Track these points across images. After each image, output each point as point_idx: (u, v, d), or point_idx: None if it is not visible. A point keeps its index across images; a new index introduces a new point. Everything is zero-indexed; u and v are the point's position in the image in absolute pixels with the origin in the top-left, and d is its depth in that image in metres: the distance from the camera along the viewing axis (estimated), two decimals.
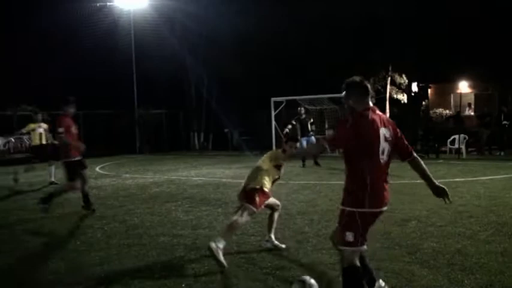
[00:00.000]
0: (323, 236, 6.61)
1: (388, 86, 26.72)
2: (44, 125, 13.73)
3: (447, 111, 26.47)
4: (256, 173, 5.88)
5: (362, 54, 24.14)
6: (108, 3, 27.11)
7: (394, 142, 3.93)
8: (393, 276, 4.93)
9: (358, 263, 3.84)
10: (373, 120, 3.80)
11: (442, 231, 6.73)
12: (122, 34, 27.52)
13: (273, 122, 21.69)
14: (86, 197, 9.02)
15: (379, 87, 27.00)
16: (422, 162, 4.21)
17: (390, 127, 3.92)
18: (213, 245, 5.32)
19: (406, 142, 4.10)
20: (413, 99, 28.04)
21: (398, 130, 4.03)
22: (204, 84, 29.01)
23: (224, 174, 15.10)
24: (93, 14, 27.05)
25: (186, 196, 10.65)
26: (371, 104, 3.91)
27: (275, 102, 21.86)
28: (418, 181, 11.98)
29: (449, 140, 19.96)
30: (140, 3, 27.04)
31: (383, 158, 3.85)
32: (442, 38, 23.47)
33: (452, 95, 28.13)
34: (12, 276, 5.55)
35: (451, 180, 12.17)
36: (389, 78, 26.54)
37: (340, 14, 24.04)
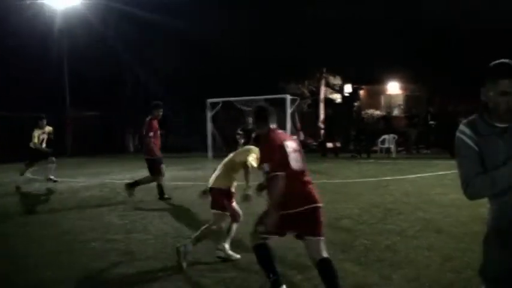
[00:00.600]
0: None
1: (323, 88, 27.30)
2: (48, 128, 13.64)
3: (378, 112, 27.33)
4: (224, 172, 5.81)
5: (297, 56, 24.52)
6: (39, 0, 26.08)
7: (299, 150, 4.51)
8: None
9: (267, 245, 4.47)
10: (277, 137, 4.46)
11: (373, 229, 6.94)
12: (52, 33, 26.57)
13: (209, 124, 21.63)
14: (160, 188, 10.22)
15: (314, 89, 27.55)
16: None
17: (292, 140, 4.59)
18: (182, 248, 5.39)
19: None
20: (347, 100, 28.76)
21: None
22: (140, 85, 28.54)
23: None
24: (21, 11, 25.94)
25: (120, 200, 10.43)
26: (273, 126, 4.60)
27: (211, 103, 21.80)
28: (350, 180, 12.36)
29: (379, 140, 20.64)
30: (72, 1, 26.17)
31: (297, 165, 4.34)
32: (373, 40, 24.17)
33: (382, 96, 29.07)
34: None
35: (382, 178, 12.57)
36: (323, 80, 27.13)
37: (276, 17, 24.34)
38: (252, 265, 5.38)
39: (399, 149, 21.14)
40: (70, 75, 26.76)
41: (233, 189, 5.89)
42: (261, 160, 4.52)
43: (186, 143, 25.06)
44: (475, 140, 2.55)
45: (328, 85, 27.68)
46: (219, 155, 21.28)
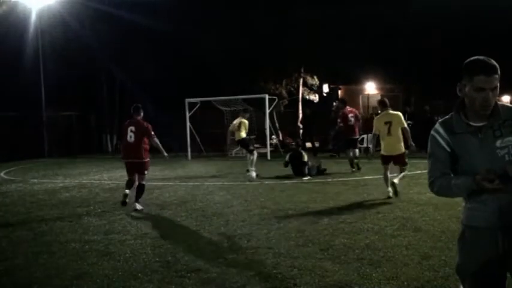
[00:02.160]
0: (238, 236, 6.68)
1: (301, 88, 27.42)
2: None
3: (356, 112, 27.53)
4: None
5: (275, 56, 24.60)
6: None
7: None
8: (306, 273, 5.06)
9: None
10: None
11: (352, 228, 7.00)
12: (27, 32, 26.15)
13: (188, 123, 21.53)
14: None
15: (292, 89, 27.66)
16: None
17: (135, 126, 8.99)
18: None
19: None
20: (325, 100, 28.95)
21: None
22: (116, 84, 28.30)
23: None
24: None
25: (99, 200, 10.34)
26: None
27: (189, 103, 21.70)
28: (329, 180, 12.44)
29: (358, 139, 20.78)
30: (47, 0, 25.78)
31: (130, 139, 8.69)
32: (351, 41, 24.39)
33: (361, 96, 29.35)
34: None
35: (360, 178, 12.68)
36: (301, 80, 27.25)
37: (254, 17, 24.38)
38: (232, 265, 5.40)
39: (377, 148, 21.31)
40: (46, 75, 26.34)
41: None
42: None
43: (164, 143, 24.89)
44: (448, 140, 2.61)
45: (306, 85, 27.81)
46: (197, 155, 21.27)
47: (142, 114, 9.51)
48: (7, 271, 5.51)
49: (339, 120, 15.08)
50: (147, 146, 9.41)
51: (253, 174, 12.55)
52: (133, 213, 8.68)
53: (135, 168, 9.21)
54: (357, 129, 14.80)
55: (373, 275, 4.94)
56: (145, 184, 9.33)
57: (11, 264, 5.80)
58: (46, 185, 13.41)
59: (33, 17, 25.87)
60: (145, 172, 9.36)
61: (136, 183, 9.22)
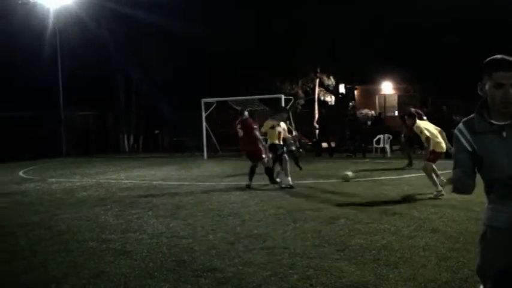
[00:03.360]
0: (254, 236, 6.67)
1: (317, 88, 27.35)
2: None
3: (372, 112, 27.42)
4: None
5: (291, 56, 24.56)
6: (31, 0, 25.92)
7: None
8: (322, 273, 5.04)
9: None
10: None
11: (368, 228, 6.95)
12: (45, 32, 26.44)
13: (204, 123, 21.60)
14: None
15: (308, 89, 27.60)
16: None
17: None
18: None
19: None
20: (341, 100, 28.84)
21: None
22: (133, 85, 28.48)
23: (155, 176, 14.89)
24: (13, 11, 25.78)
25: (116, 200, 10.41)
26: None
27: (206, 103, 21.76)
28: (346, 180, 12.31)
29: (374, 140, 20.68)
30: (65, 0, 26.02)
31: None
32: (367, 41, 24.26)
33: (377, 96, 29.16)
34: None
35: (377, 178, 12.61)
36: (317, 80, 27.18)
37: (270, 17, 24.37)
38: (248, 265, 5.39)
39: (394, 148, 21.20)
40: (63, 75, 26.64)
41: None
42: None
43: (181, 143, 25.01)
44: (470, 140, 2.60)
45: (322, 85, 27.73)
46: (213, 155, 21.32)
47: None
48: (25, 269, 5.57)
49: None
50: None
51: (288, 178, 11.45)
52: (149, 213, 8.72)
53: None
54: None
55: (390, 276, 4.90)
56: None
57: (29, 262, 5.86)
58: (64, 184, 13.55)
59: (51, 17, 26.15)
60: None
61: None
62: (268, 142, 11.68)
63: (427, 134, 9.80)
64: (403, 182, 11.69)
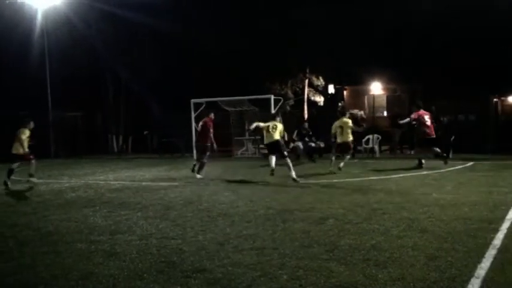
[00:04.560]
0: (243, 237, 6.67)
1: (306, 88, 27.40)
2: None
3: (361, 112, 27.51)
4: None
5: (280, 56, 24.60)
6: (19, 0, 25.70)
7: None
8: (312, 273, 5.05)
9: None
10: None
11: (357, 228, 6.98)
12: (33, 32, 26.25)
13: (193, 124, 21.54)
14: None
15: (297, 89, 27.65)
16: None
17: None
18: None
19: None
20: (330, 100, 28.91)
21: None
22: (122, 85, 28.37)
23: (144, 177, 14.84)
24: (1, 10, 25.57)
25: (104, 201, 10.36)
26: None
27: (195, 103, 21.71)
28: (334, 180, 12.40)
29: (363, 140, 20.76)
30: (53, 0, 25.84)
31: None
32: (356, 42, 24.36)
33: (366, 97, 29.28)
34: None
35: (366, 178, 12.66)
36: (306, 80, 27.23)
37: (259, 18, 24.38)
38: (238, 266, 5.39)
39: (383, 149, 21.30)
40: (52, 75, 26.46)
41: None
42: None
43: (170, 143, 24.94)
44: None
45: (311, 86, 27.79)
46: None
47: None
48: (14, 271, 5.53)
49: (414, 123, 15.13)
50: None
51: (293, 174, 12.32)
52: (138, 214, 8.69)
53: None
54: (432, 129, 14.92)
55: (379, 276, 4.93)
56: None
57: (17, 264, 5.82)
58: (52, 185, 13.46)
59: (39, 18, 25.97)
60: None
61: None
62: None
63: None
64: (391, 182, 11.74)
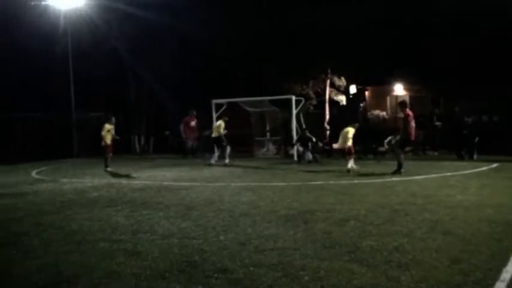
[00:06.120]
0: (265, 237, 6.67)
1: (328, 88, 27.26)
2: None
3: (384, 113, 27.30)
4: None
5: (302, 57, 24.52)
6: (43, 2, 26.06)
7: None
8: (333, 275, 5.03)
9: None
10: None
11: (379, 230, 6.92)
12: (57, 34, 26.60)
13: (215, 124, 21.57)
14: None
15: (319, 90, 27.54)
16: None
17: None
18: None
19: None
20: (352, 101, 28.70)
21: None
22: (144, 86, 28.57)
23: (165, 177, 14.93)
24: (25, 13, 25.95)
25: (127, 200, 10.45)
26: None
27: (216, 104, 21.76)
28: (356, 181, 12.33)
29: (386, 141, 20.55)
30: (76, 2, 26.15)
31: None
32: (378, 41, 24.15)
33: (388, 98, 29.02)
34: None
35: (388, 179, 12.54)
36: (328, 81, 27.09)
37: (281, 18, 24.34)
38: (259, 266, 5.39)
39: (405, 150, 21.06)
40: (75, 76, 26.80)
41: None
42: None
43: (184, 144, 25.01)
44: None
45: (333, 86, 27.65)
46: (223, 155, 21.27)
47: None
48: (38, 269, 5.61)
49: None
50: None
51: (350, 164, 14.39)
52: (160, 214, 8.75)
53: None
54: None
55: (402, 278, 4.88)
56: None
57: (41, 262, 5.91)
58: (75, 184, 13.63)
59: (62, 19, 26.31)
60: None
61: None
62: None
63: None
64: (414, 183, 11.62)
